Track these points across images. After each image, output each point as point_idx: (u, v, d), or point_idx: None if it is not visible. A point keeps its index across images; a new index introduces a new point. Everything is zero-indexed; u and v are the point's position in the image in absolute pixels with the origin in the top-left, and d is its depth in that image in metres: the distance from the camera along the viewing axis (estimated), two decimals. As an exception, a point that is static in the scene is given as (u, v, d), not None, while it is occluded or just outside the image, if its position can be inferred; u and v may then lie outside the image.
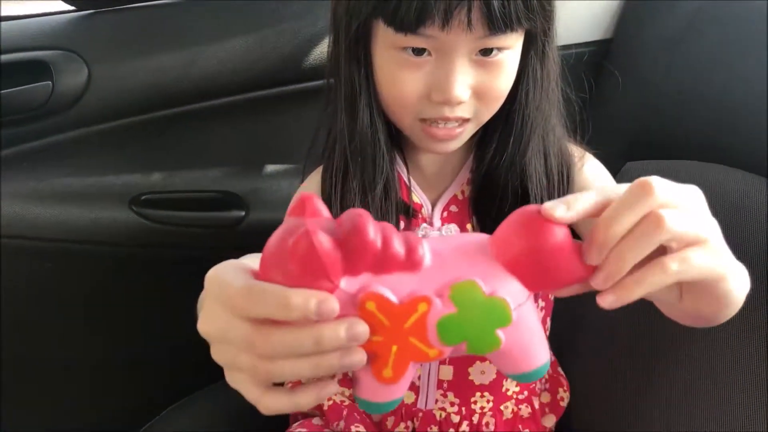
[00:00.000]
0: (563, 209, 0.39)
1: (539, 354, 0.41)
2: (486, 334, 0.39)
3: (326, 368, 0.37)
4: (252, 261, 0.40)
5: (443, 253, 0.40)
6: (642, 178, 0.39)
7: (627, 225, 0.38)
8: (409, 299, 0.37)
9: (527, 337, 0.40)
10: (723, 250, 0.42)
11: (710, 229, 0.40)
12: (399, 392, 0.41)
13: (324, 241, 0.35)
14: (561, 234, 0.39)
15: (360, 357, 0.37)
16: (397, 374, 0.39)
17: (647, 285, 0.38)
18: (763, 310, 0.66)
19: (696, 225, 0.39)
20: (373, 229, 0.36)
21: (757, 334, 0.66)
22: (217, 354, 0.39)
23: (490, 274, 0.39)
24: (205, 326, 0.39)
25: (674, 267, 0.38)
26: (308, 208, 0.37)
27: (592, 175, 0.69)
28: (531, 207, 0.39)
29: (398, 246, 0.37)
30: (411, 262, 0.38)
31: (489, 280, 0.38)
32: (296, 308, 0.35)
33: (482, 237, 0.41)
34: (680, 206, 0.39)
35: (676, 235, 0.38)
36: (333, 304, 0.35)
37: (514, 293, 0.39)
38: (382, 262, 0.37)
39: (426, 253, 0.39)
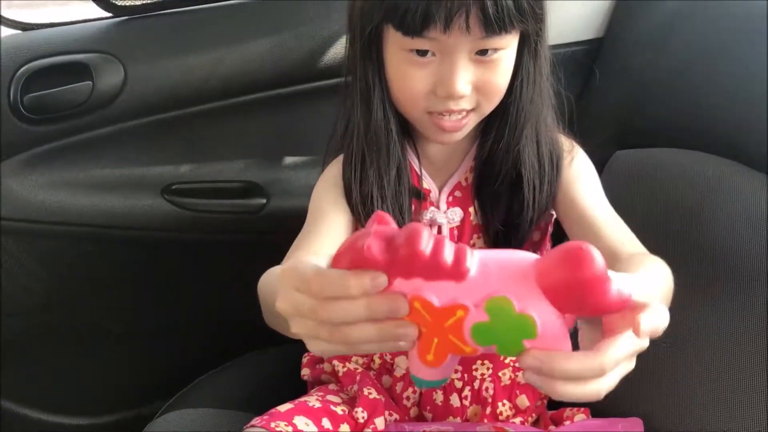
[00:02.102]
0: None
1: None
2: (513, 343, 0.43)
3: (386, 334, 0.43)
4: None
5: (489, 268, 0.44)
6: (635, 327, 0.43)
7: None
8: (450, 305, 0.43)
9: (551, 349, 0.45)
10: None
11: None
12: (442, 375, 0.47)
13: (376, 249, 0.41)
14: (599, 272, 0.41)
15: (411, 329, 0.43)
16: (438, 360, 0.45)
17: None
18: (739, 279, 0.72)
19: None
20: (425, 241, 0.41)
21: (738, 297, 0.73)
22: (296, 327, 0.45)
23: (525, 294, 0.43)
24: (282, 304, 0.45)
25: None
26: (377, 221, 0.43)
27: (579, 172, 0.75)
28: (576, 243, 0.42)
29: (447, 257, 0.41)
30: (458, 273, 0.42)
31: (523, 299, 0.43)
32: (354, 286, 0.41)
33: (528, 259, 0.44)
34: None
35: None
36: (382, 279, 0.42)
37: (543, 313, 0.43)
38: (432, 270, 0.42)
39: (473, 265, 0.43)
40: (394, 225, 0.43)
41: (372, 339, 0.43)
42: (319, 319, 0.43)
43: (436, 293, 0.43)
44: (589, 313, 0.44)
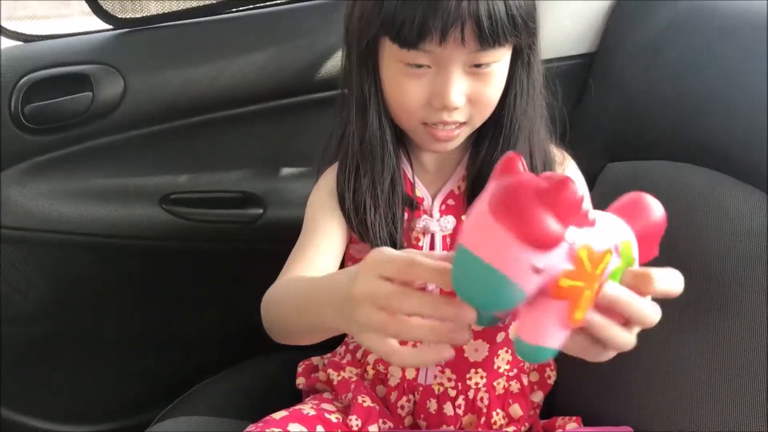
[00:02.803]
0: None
1: None
2: None
3: (438, 334, 0.45)
4: None
5: (595, 215, 0.43)
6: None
7: None
8: (603, 250, 0.42)
9: None
10: None
11: None
12: (560, 344, 0.45)
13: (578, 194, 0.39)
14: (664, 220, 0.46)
15: (464, 337, 0.45)
16: (584, 315, 0.44)
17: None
18: (729, 290, 0.72)
19: None
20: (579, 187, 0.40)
21: (724, 311, 0.73)
22: (360, 314, 0.47)
23: (633, 239, 0.46)
24: (359, 289, 0.47)
25: None
26: (514, 168, 0.42)
27: None
28: (639, 194, 0.47)
29: (587, 202, 0.41)
30: (590, 219, 0.42)
31: (633, 244, 0.45)
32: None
33: (613, 210, 0.47)
34: None
35: None
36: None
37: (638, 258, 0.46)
38: (582, 217, 0.41)
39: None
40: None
41: (422, 338, 0.45)
42: (392, 306, 0.45)
43: (589, 240, 0.42)
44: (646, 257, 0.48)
